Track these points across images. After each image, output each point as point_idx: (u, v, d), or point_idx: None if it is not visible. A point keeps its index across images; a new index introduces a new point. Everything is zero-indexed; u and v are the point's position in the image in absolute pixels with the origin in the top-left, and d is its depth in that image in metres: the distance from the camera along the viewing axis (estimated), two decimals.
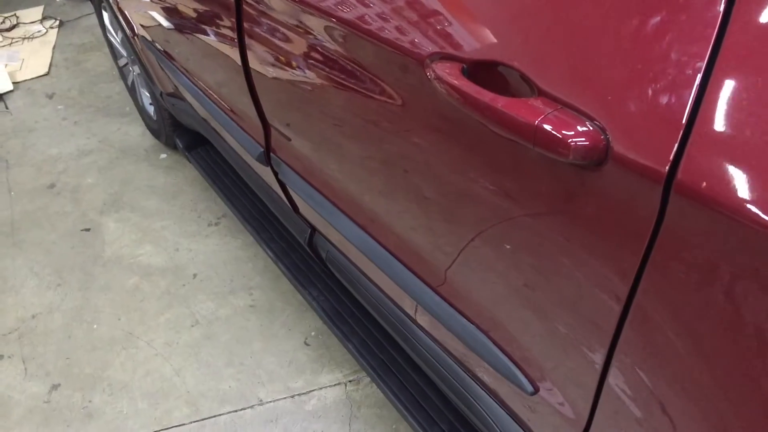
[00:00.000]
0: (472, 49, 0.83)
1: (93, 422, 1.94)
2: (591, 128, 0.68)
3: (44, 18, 4.43)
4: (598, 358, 0.84)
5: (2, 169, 3.08)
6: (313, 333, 2.12)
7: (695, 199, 0.60)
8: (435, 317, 1.18)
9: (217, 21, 1.57)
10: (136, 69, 2.81)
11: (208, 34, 1.69)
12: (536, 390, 1.00)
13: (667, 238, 0.65)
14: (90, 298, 2.35)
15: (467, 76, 0.81)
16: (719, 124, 0.59)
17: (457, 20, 0.86)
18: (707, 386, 0.70)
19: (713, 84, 0.60)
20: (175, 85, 2.23)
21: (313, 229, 1.72)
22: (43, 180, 2.98)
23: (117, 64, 3.20)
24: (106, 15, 2.90)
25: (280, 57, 1.33)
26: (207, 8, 1.60)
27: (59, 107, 3.51)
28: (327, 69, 1.17)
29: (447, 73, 0.82)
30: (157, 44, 2.20)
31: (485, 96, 0.76)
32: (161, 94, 2.50)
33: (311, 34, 1.18)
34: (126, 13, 2.40)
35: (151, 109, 2.90)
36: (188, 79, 2.02)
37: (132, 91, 3.12)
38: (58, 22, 4.36)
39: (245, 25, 1.41)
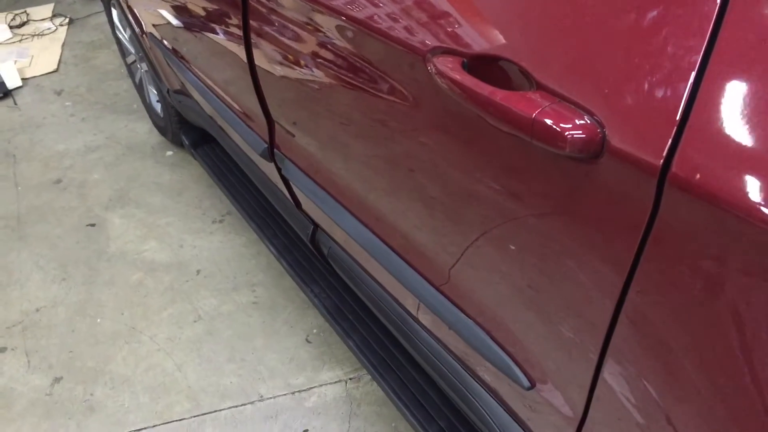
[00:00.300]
0: (472, 44, 0.83)
1: (94, 415, 1.95)
2: (588, 121, 0.69)
3: (54, 15, 4.46)
4: (592, 353, 0.84)
5: (9, 164, 3.10)
6: (314, 330, 2.13)
7: (689, 191, 0.61)
8: (433, 311, 1.19)
9: (224, 18, 1.59)
10: (144, 66, 2.83)
11: (214, 31, 1.71)
12: (532, 385, 1.00)
13: (662, 230, 0.66)
14: (94, 293, 2.36)
15: (467, 70, 0.82)
16: (714, 117, 0.60)
17: (457, 15, 0.87)
18: (699, 380, 0.70)
19: (708, 78, 0.60)
20: (182, 82, 2.25)
21: (316, 226, 1.73)
22: (50, 175, 3.00)
23: (125, 61, 3.22)
24: (114, 12, 2.92)
25: (285, 54, 1.34)
26: (214, 5, 1.61)
27: (67, 104, 3.53)
28: (331, 66, 1.18)
29: (447, 67, 0.83)
30: (164, 41, 2.22)
31: (484, 89, 0.77)
32: (168, 91, 2.51)
33: (315, 30, 1.19)
34: (134, 10, 2.42)
35: (158, 107, 2.92)
36: (194, 75, 2.03)
37: (139, 88, 3.13)
38: (67, 20, 4.39)
39: (251, 21, 1.42)
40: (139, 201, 2.78)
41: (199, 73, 2.00)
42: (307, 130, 1.43)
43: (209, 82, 1.94)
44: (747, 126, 0.58)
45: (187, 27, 1.91)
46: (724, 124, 0.59)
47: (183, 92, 2.36)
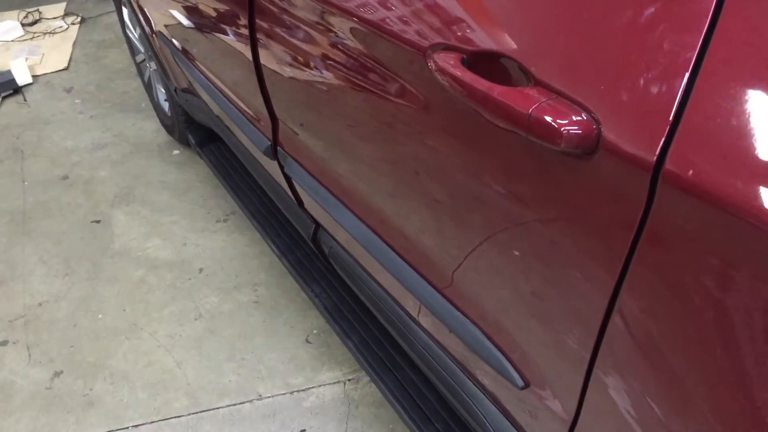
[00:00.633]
0: (472, 41, 0.84)
1: (93, 410, 1.96)
2: (584, 117, 0.69)
3: (66, 14, 4.49)
4: (585, 351, 0.84)
5: (17, 159, 3.12)
6: (315, 331, 2.13)
7: (682, 188, 0.61)
8: (429, 309, 1.19)
9: (230, 17, 1.60)
10: (153, 65, 2.84)
11: (221, 30, 1.72)
12: (526, 384, 1.00)
13: (655, 227, 0.66)
14: (97, 289, 2.37)
15: (467, 66, 0.82)
16: (708, 115, 0.60)
17: (457, 12, 0.88)
18: (691, 379, 0.70)
19: (703, 75, 0.61)
20: (189, 81, 2.26)
21: (317, 225, 1.73)
22: (57, 171, 3.01)
23: (134, 60, 3.24)
24: (125, 11, 2.94)
25: (289, 52, 1.35)
26: (221, 5, 1.62)
27: (76, 101, 3.55)
28: (334, 65, 1.18)
29: (447, 63, 0.83)
30: (172, 39, 2.23)
31: (482, 85, 0.77)
32: (175, 90, 2.52)
33: (318, 29, 1.20)
34: (144, 9, 2.44)
35: (165, 106, 2.93)
36: (201, 73, 2.04)
37: (148, 87, 3.15)
38: (79, 19, 4.41)
39: (257, 21, 1.43)
40: (144, 199, 2.79)
41: (206, 72, 2.01)
42: (309, 128, 1.44)
43: (215, 80, 1.95)
44: (741, 124, 0.58)
45: (195, 26, 1.92)
46: (718, 122, 0.59)
47: (190, 91, 2.37)
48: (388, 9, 0.98)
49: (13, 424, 1.92)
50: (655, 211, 0.65)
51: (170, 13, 2.12)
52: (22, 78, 3.66)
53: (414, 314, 1.35)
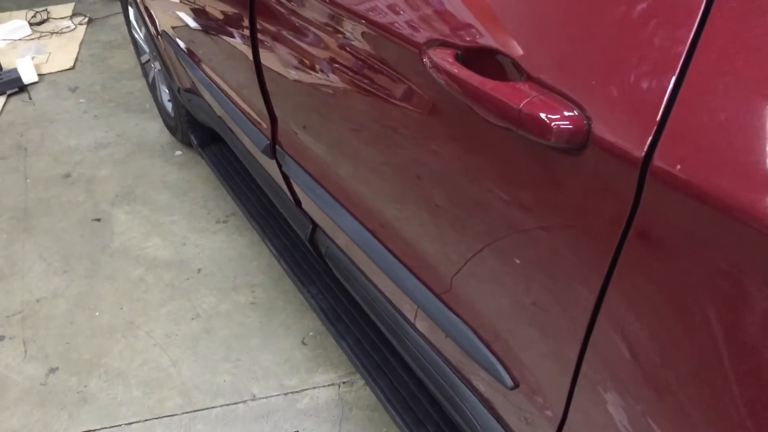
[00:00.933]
0: (467, 37, 0.84)
1: (87, 407, 1.95)
2: (574, 112, 0.68)
3: (74, 14, 4.52)
4: (572, 349, 0.83)
5: (20, 156, 3.13)
6: (311, 333, 2.12)
7: (670, 183, 0.61)
8: (419, 306, 1.18)
9: (232, 18, 1.60)
10: (157, 65, 2.85)
11: (223, 31, 1.72)
12: (516, 384, 1.00)
13: (643, 223, 0.66)
14: (95, 286, 2.37)
15: (462, 62, 0.82)
16: (697, 111, 0.60)
17: (451, 9, 0.88)
18: (678, 376, 0.69)
19: (692, 71, 0.60)
20: (192, 81, 2.27)
21: (315, 226, 1.73)
22: (60, 169, 3.02)
23: (139, 60, 3.25)
24: (131, 11, 2.95)
25: (290, 52, 1.35)
26: (224, 6, 1.63)
27: (81, 101, 3.57)
28: (332, 63, 1.19)
29: (441, 59, 0.83)
30: (176, 39, 2.24)
31: (475, 80, 0.77)
32: (179, 90, 2.53)
33: (317, 29, 1.20)
34: (150, 9, 2.45)
35: (169, 106, 2.94)
36: (204, 73, 2.05)
37: (152, 87, 3.16)
38: (87, 19, 4.44)
39: (257, 22, 1.43)
40: (145, 198, 2.80)
41: (208, 71, 2.01)
42: (307, 127, 1.44)
43: (217, 79, 1.95)
44: (729, 120, 0.58)
45: (198, 26, 1.93)
46: (707, 118, 0.59)
47: (193, 91, 2.38)
48: (383, 5, 0.98)
49: (6, 419, 1.92)
50: (643, 208, 0.65)
51: (175, 13, 2.13)
52: (27, 76, 3.67)
53: (407, 314, 1.35)
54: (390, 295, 1.40)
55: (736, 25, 0.59)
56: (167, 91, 2.88)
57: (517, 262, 0.88)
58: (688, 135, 0.60)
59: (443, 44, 0.86)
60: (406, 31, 0.93)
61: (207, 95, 2.13)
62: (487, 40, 0.81)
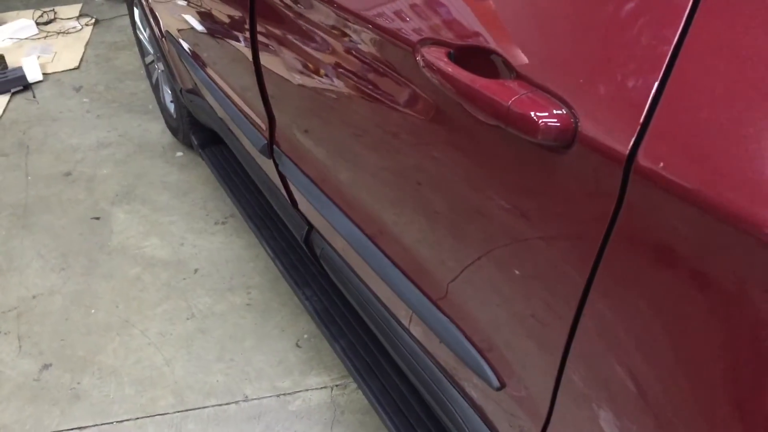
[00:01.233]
0: (458, 35, 0.84)
1: (79, 403, 1.95)
2: (562, 111, 0.69)
3: (81, 15, 4.54)
4: (557, 348, 0.83)
5: (22, 154, 3.14)
6: (305, 336, 2.12)
7: (653, 180, 0.61)
8: (409, 306, 1.19)
9: (233, 20, 1.62)
10: (161, 66, 2.87)
11: (224, 32, 1.73)
12: (502, 385, 0.99)
13: (626, 220, 0.66)
14: (91, 284, 2.38)
15: (454, 61, 0.83)
16: (680, 109, 0.60)
17: (443, 8, 0.88)
18: (660, 375, 0.69)
19: (677, 70, 0.61)
20: (194, 81, 2.28)
21: (310, 227, 1.73)
22: (61, 167, 3.03)
23: (144, 61, 3.27)
24: (136, 12, 2.97)
25: (288, 54, 1.36)
26: (225, 8, 1.65)
27: (84, 100, 3.58)
28: (330, 65, 1.19)
29: (434, 57, 0.84)
30: (180, 40, 2.25)
31: (465, 77, 0.77)
32: (181, 90, 2.54)
33: (314, 30, 1.21)
34: (154, 10, 2.46)
35: (171, 107, 2.95)
36: (205, 73, 2.06)
37: (156, 88, 3.17)
38: (93, 20, 4.46)
39: (257, 23, 1.44)
40: (145, 198, 2.80)
41: (210, 72, 2.02)
42: (303, 127, 1.44)
43: (218, 80, 1.96)
44: (712, 119, 0.58)
45: (201, 27, 1.94)
46: (691, 116, 0.59)
47: (195, 91, 2.39)
48: (377, 6, 0.99)
49: None
50: (627, 206, 0.65)
51: (178, 14, 2.14)
52: (32, 75, 3.69)
53: (399, 316, 1.35)
54: (382, 296, 1.40)
55: (720, 25, 0.59)
56: (170, 92, 2.90)
57: (504, 261, 0.88)
58: (672, 133, 0.60)
59: (436, 43, 0.87)
60: (400, 30, 0.94)
61: (208, 96, 2.14)
62: (478, 39, 0.82)
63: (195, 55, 2.13)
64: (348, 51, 1.12)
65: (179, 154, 3.08)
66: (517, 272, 0.86)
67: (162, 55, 2.64)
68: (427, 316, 1.14)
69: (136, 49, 3.49)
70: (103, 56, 4.06)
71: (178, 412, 1.92)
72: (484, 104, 0.75)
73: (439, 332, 1.11)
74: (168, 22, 2.34)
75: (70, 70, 3.88)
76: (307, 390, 1.95)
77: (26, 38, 4.23)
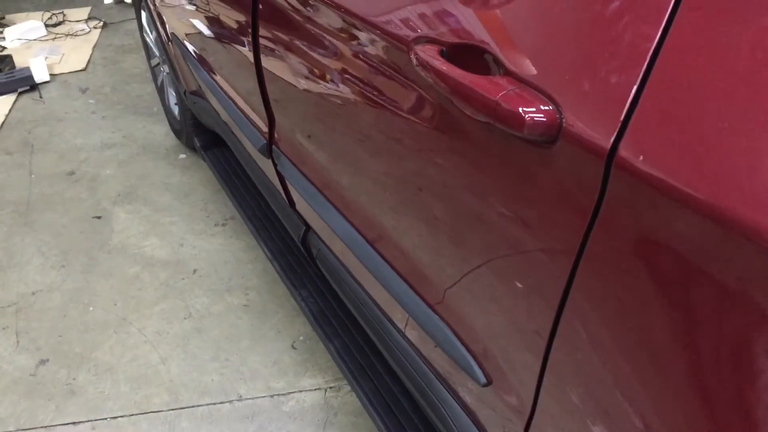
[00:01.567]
0: (450, 34, 0.86)
1: (74, 399, 1.96)
2: (548, 106, 0.70)
3: (89, 18, 4.59)
4: (540, 342, 0.84)
5: (27, 153, 3.17)
6: (301, 338, 2.13)
7: (633, 174, 0.62)
8: (398, 302, 1.20)
9: (235, 22, 1.64)
10: (166, 69, 2.89)
11: (227, 34, 1.76)
12: (489, 381, 1.00)
13: (607, 214, 0.67)
14: (90, 282, 2.39)
15: (446, 58, 0.84)
16: (661, 104, 0.61)
17: (437, 8, 0.90)
18: (640, 369, 0.70)
19: (658, 66, 0.62)
20: (198, 83, 2.30)
21: (308, 228, 1.75)
22: (64, 167, 3.06)
23: (150, 64, 3.30)
24: (143, 15, 3.00)
25: (288, 55, 1.38)
26: (228, 12, 1.67)
27: (90, 101, 3.61)
28: (328, 67, 1.21)
29: (427, 55, 0.85)
30: (185, 42, 2.27)
31: (456, 73, 0.79)
32: (185, 92, 2.56)
33: (316, 33, 1.23)
34: (161, 12, 2.49)
35: (175, 109, 2.98)
36: (208, 75, 2.08)
37: (160, 91, 3.20)
38: (102, 23, 4.50)
39: (259, 25, 1.47)
40: (146, 198, 2.82)
41: (213, 73, 2.05)
42: (302, 129, 1.46)
43: (221, 81, 1.98)
44: (691, 114, 0.59)
45: (205, 30, 1.97)
46: (671, 112, 0.61)
47: (198, 93, 2.41)
48: (373, 5, 1.01)
49: None
50: (608, 199, 0.66)
51: (184, 17, 2.17)
52: (39, 75, 3.72)
53: (392, 315, 1.36)
54: (376, 297, 1.41)
55: (701, 23, 0.61)
56: (174, 95, 2.92)
57: (490, 258, 0.89)
58: (653, 128, 0.61)
59: (429, 41, 0.88)
60: (395, 29, 0.95)
61: (211, 97, 2.16)
62: (469, 37, 0.83)
63: (199, 57, 2.16)
64: (344, 52, 1.14)
65: (182, 156, 3.10)
66: (503, 268, 0.88)
67: (167, 58, 2.67)
68: (418, 313, 1.15)
69: (143, 52, 3.53)
70: (110, 59, 4.09)
71: (172, 409, 1.93)
72: (473, 99, 0.77)
73: (429, 330, 1.13)
74: (174, 24, 2.36)
75: (77, 71, 3.92)
76: (301, 391, 1.96)
77: (35, 39, 4.27)
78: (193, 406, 1.93)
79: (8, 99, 3.58)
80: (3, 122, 3.41)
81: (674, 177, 0.59)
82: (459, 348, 1.04)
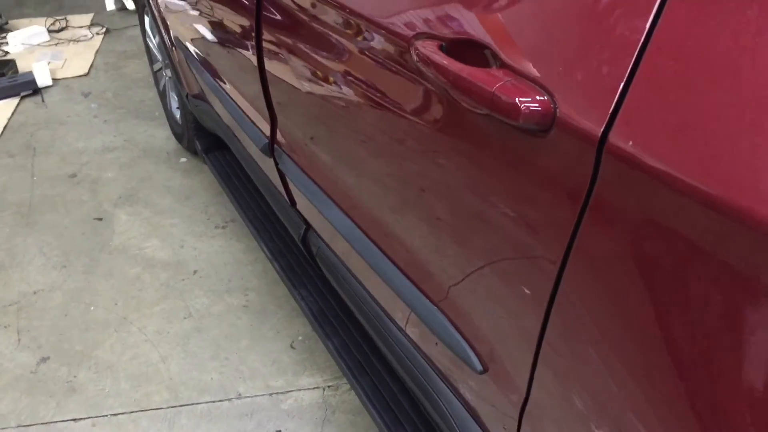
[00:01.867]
0: (450, 29, 0.89)
1: (75, 396, 1.98)
2: (543, 96, 0.73)
3: (92, 24, 4.63)
4: (533, 329, 0.87)
5: (29, 155, 3.20)
6: (300, 338, 2.16)
7: (623, 159, 0.65)
8: (396, 294, 1.23)
9: (239, 23, 1.68)
10: (168, 73, 2.93)
11: (230, 36, 1.79)
12: (485, 369, 1.03)
13: (599, 200, 0.70)
14: (91, 282, 2.41)
15: (446, 53, 0.87)
16: (650, 92, 0.64)
17: (436, 4, 0.93)
18: (631, 355, 0.73)
19: (648, 57, 0.65)
20: (201, 87, 2.33)
21: (308, 227, 1.78)
22: (66, 169, 3.08)
23: (152, 68, 3.33)
24: (147, 20, 3.04)
25: (291, 55, 1.41)
26: (231, 13, 1.71)
27: (92, 105, 3.64)
28: (330, 66, 1.25)
29: (426, 50, 0.89)
30: (187, 44, 2.31)
31: (455, 66, 0.82)
32: (187, 96, 2.60)
33: (317, 30, 1.26)
34: (165, 16, 2.53)
35: (177, 113, 3.01)
36: (211, 76, 2.11)
37: (162, 95, 3.23)
38: (104, 30, 4.54)
39: (262, 27, 1.50)
40: (147, 201, 2.85)
41: (216, 75, 2.08)
42: (303, 126, 1.49)
43: (223, 82, 2.02)
44: (678, 102, 0.62)
45: (208, 32, 2.01)
46: (659, 99, 0.64)
47: (200, 97, 2.44)
48: (372, 3, 1.04)
49: None
50: (599, 185, 0.69)
51: (187, 20, 2.20)
52: (42, 80, 3.76)
53: (390, 311, 1.39)
54: (375, 292, 1.44)
55: (689, 15, 0.64)
56: (176, 99, 2.95)
57: (486, 246, 0.92)
58: (642, 115, 0.64)
59: (429, 37, 0.91)
60: (395, 27, 0.99)
61: (213, 100, 2.19)
62: (467, 31, 0.86)
63: (202, 60, 2.19)
64: (345, 50, 1.17)
65: (183, 159, 3.13)
66: (498, 257, 0.90)
67: (170, 61, 2.70)
68: (416, 304, 1.18)
69: (145, 58, 3.56)
70: (113, 64, 4.13)
71: (172, 407, 1.95)
72: (472, 91, 0.80)
73: (427, 321, 1.15)
74: (177, 28, 2.40)
75: (80, 76, 3.95)
76: (299, 390, 1.98)
77: (38, 44, 4.31)
78: (192, 404, 1.95)
79: (11, 103, 3.62)
80: (6, 125, 3.44)
81: (662, 162, 0.61)
82: (456, 337, 1.07)
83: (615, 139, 0.66)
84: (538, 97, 0.73)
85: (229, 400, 1.96)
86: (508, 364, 0.98)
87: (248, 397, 1.97)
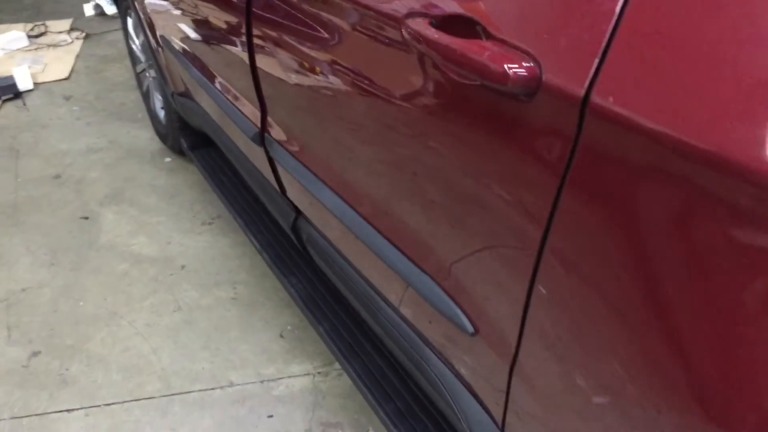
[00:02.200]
0: (439, 6, 0.95)
1: (67, 388, 2.01)
2: (529, 63, 0.79)
3: (71, 29, 4.65)
4: (521, 289, 0.93)
5: (12, 157, 3.21)
6: (289, 327, 2.20)
7: (605, 117, 0.71)
8: (386, 263, 1.28)
9: (228, 16, 1.73)
10: (152, 73, 2.96)
11: (220, 29, 1.84)
12: (476, 331, 1.09)
13: (582, 158, 0.76)
14: (80, 278, 2.44)
15: (437, 29, 0.93)
16: (628, 53, 0.70)
17: None
18: (616, 311, 0.79)
19: (626, 20, 0.71)
20: (186, 84, 2.37)
21: (298, 214, 1.83)
22: (50, 170, 3.10)
23: (135, 70, 3.36)
24: (129, 21, 3.07)
25: (280, 42, 1.47)
26: (220, 7, 1.76)
27: (74, 108, 3.66)
28: (321, 50, 1.30)
29: (418, 26, 0.95)
30: (173, 40, 2.35)
31: (445, 40, 0.88)
32: (172, 95, 2.64)
33: (309, 19, 1.31)
34: (149, 14, 2.56)
35: (161, 114, 3.05)
36: (199, 71, 2.15)
37: (146, 97, 3.27)
38: (84, 34, 4.56)
39: (252, 15, 1.55)
40: (133, 200, 2.88)
41: (204, 70, 2.12)
42: (293, 111, 1.55)
43: (211, 75, 2.06)
44: (656, 59, 0.68)
45: (195, 26, 2.05)
46: (637, 58, 0.70)
47: (186, 95, 2.48)
48: None
49: None
50: (582, 144, 0.75)
51: (174, 17, 2.24)
52: (23, 83, 3.77)
53: (380, 289, 1.44)
54: (366, 272, 1.49)
55: None
56: (161, 99, 2.99)
57: (474, 208, 0.98)
58: (621, 74, 0.70)
59: (420, 15, 0.97)
60: (386, 8, 1.04)
61: (200, 96, 2.23)
62: (456, 8, 0.93)
63: (190, 56, 2.23)
64: (337, 33, 1.23)
65: (167, 159, 3.16)
66: (487, 217, 0.96)
67: (155, 61, 2.74)
68: (407, 274, 1.23)
69: (126, 62, 3.60)
70: (93, 68, 4.15)
71: (165, 396, 1.98)
72: (462, 62, 0.86)
73: (418, 288, 1.21)
74: (162, 24, 2.44)
75: (61, 80, 3.97)
76: (290, 377, 2.03)
77: (17, 49, 4.31)
78: (185, 393, 1.99)
79: None
80: None
81: (642, 115, 0.67)
82: (447, 301, 1.12)
83: (596, 98, 0.72)
84: (525, 64, 0.79)
85: (221, 388, 2.00)
86: (497, 323, 1.04)
87: (239, 384, 2.01)
